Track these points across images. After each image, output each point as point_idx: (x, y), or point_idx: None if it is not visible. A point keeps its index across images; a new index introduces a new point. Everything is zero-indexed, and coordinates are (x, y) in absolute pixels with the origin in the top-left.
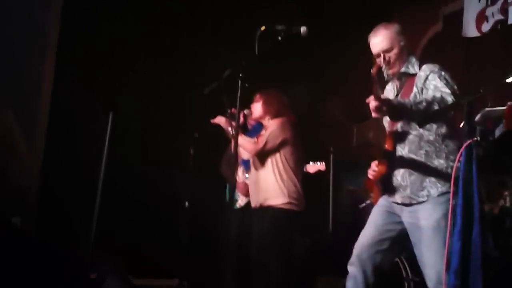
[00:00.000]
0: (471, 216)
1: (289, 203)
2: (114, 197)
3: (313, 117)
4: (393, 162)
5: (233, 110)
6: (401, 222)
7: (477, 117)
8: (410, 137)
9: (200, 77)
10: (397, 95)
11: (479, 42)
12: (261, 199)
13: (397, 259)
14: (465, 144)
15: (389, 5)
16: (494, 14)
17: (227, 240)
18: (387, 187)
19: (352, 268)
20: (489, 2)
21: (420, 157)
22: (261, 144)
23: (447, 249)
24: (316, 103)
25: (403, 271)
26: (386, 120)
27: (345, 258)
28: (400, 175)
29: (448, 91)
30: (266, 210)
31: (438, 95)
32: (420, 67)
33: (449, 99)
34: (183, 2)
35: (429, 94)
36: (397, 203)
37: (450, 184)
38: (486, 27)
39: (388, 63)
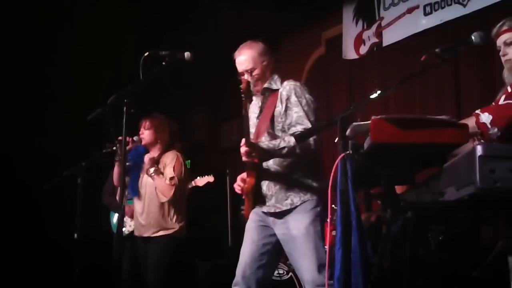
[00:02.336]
0: (349, 225)
1: (175, 231)
2: None
3: (211, 140)
4: (261, 173)
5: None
6: (274, 235)
7: (348, 132)
8: None
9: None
10: (261, 110)
11: (359, 63)
12: (146, 228)
13: (290, 273)
14: (339, 157)
15: (277, 30)
16: (370, 38)
17: (119, 269)
18: (256, 198)
19: None
20: (365, 26)
21: (283, 168)
22: (176, 186)
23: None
24: (213, 126)
25: (296, 282)
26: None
27: None
28: (266, 186)
29: (307, 121)
30: (152, 239)
31: (298, 128)
32: (282, 83)
33: (308, 126)
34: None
35: (292, 120)
36: (267, 214)
37: (312, 193)
38: (363, 49)
39: (251, 80)
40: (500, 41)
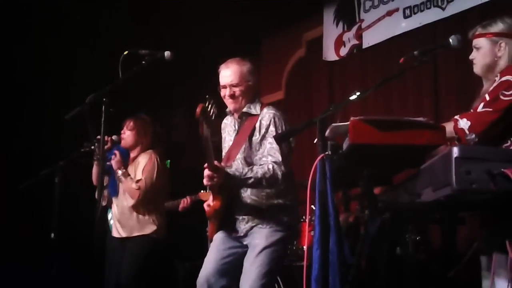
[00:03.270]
0: (327, 226)
1: (151, 232)
2: None
3: (191, 141)
4: (228, 198)
5: (98, 137)
6: (242, 246)
7: (327, 133)
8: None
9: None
10: (237, 132)
11: (339, 65)
12: (123, 228)
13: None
14: (318, 158)
15: (257, 32)
16: (350, 40)
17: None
18: (221, 223)
19: None
20: (346, 28)
21: (261, 198)
22: (141, 189)
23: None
24: (194, 127)
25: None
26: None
27: None
28: (235, 211)
29: (279, 154)
30: (128, 240)
31: (269, 159)
32: (261, 109)
33: (279, 159)
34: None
35: (264, 150)
36: (236, 238)
37: (282, 228)
38: (343, 51)
39: (232, 96)
40: (473, 44)
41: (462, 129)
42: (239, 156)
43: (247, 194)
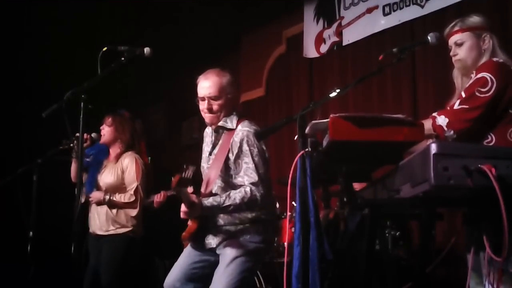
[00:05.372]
0: (307, 222)
1: (128, 230)
2: None
3: (171, 138)
4: (204, 222)
5: (77, 134)
6: (216, 255)
7: (307, 130)
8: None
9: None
10: (213, 147)
11: (319, 62)
12: (100, 226)
13: None
14: (298, 155)
15: (237, 28)
16: (330, 37)
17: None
18: (196, 244)
19: None
20: (326, 25)
21: (230, 218)
22: (139, 197)
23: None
24: (173, 124)
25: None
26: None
27: None
28: (212, 230)
29: (255, 174)
30: (105, 237)
31: (245, 179)
32: (238, 124)
33: (255, 179)
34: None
35: (240, 170)
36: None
37: (258, 244)
38: (324, 48)
39: (210, 111)
40: (451, 41)
41: (440, 126)
42: (218, 181)
43: (221, 216)
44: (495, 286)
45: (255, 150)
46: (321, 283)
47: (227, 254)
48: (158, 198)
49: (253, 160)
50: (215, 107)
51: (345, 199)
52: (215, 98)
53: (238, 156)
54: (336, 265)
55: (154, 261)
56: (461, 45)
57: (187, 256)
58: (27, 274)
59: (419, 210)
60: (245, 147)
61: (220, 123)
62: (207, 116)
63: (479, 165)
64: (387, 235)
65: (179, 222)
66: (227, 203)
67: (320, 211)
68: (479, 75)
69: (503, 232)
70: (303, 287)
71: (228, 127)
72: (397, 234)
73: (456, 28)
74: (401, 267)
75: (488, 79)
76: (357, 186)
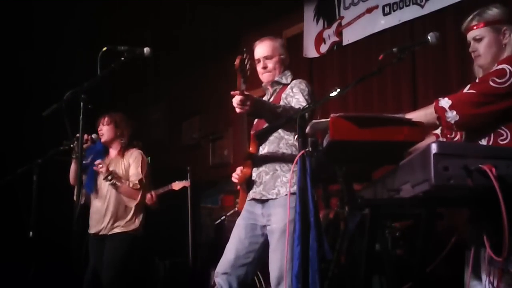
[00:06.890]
0: (307, 222)
1: (131, 229)
2: None
3: (172, 138)
4: (256, 162)
5: (77, 135)
6: (263, 234)
7: (307, 129)
8: (271, 138)
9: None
10: (268, 100)
11: (319, 62)
12: (103, 226)
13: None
14: (298, 155)
15: (237, 28)
16: (330, 36)
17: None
18: (250, 187)
19: (218, 280)
20: (326, 25)
21: (277, 158)
22: (142, 188)
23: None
24: (173, 124)
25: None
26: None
27: (205, 273)
28: (257, 173)
29: (304, 104)
30: (107, 237)
31: (296, 106)
32: (292, 80)
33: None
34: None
35: (292, 102)
36: (255, 201)
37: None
38: (324, 48)
39: (265, 68)
40: (469, 36)
41: (443, 108)
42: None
43: (265, 153)
44: (495, 285)
45: (306, 91)
46: (321, 283)
47: (276, 221)
48: (149, 201)
49: (304, 97)
50: (269, 65)
51: (345, 199)
52: (268, 57)
53: (289, 95)
54: (336, 265)
55: (154, 261)
56: (480, 40)
57: (238, 241)
58: (27, 274)
59: (419, 210)
60: (295, 89)
61: (276, 78)
62: (264, 76)
63: (480, 165)
64: (387, 235)
65: (179, 222)
66: (277, 105)
67: (320, 211)
68: (499, 66)
69: (503, 232)
70: (303, 287)
71: (282, 82)
72: (397, 234)
73: (474, 23)
74: (401, 267)
75: (508, 71)
76: (356, 186)
